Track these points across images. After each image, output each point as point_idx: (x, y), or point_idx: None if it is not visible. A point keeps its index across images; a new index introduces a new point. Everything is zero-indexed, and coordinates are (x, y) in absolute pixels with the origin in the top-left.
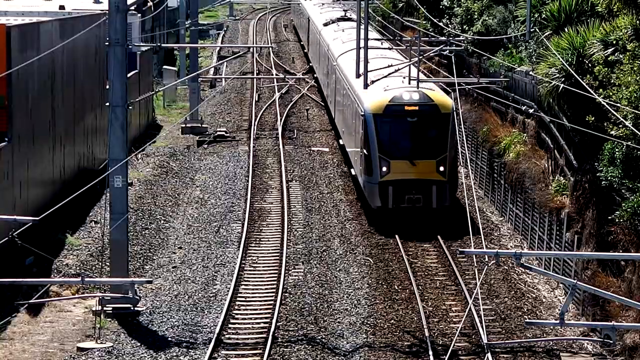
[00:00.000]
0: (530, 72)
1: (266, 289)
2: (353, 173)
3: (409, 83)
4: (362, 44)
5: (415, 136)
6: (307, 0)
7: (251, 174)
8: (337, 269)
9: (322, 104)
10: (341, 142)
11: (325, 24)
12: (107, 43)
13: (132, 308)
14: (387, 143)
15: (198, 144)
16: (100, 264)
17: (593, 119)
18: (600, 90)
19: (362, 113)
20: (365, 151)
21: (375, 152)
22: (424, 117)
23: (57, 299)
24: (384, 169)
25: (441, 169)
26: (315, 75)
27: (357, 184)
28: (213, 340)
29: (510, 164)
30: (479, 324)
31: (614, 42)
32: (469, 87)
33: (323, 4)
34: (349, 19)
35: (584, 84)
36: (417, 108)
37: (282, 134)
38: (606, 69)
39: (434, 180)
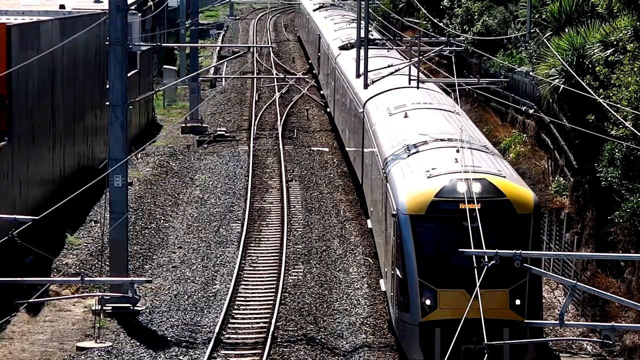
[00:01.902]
0: (531, 73)
1: (266, 288)
2: (383, 289)
3: (409, 83)
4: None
5: None
6: (317, 11)
7: (251, 173)
8: (337, 269)
9: (322, 104)
10: (369, 223)
11: (343, 47)
12: (107, 42)
13: (131, 307)
14: (432, 262)
15: (198, 144)
16: (99, 263)
17: (593, 119)
18: (600, 90)
19: (394, 212)
20: (398, 271)
21: (414, 276)
22: (490, 220)
23: (57, 298)
24: (428, 302)
25: (517, 302)
26: (327, 109)
27: (389, 313)
28: (212, 340)
29: (510, 164)
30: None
31: (614, 42)
32: (469, 87)
33: (334, 16)
34: (374, 43)
35: (584, 84)
36: (479, 206)
37: (282, 134)
38: (606, 69)
39: (506, 321)
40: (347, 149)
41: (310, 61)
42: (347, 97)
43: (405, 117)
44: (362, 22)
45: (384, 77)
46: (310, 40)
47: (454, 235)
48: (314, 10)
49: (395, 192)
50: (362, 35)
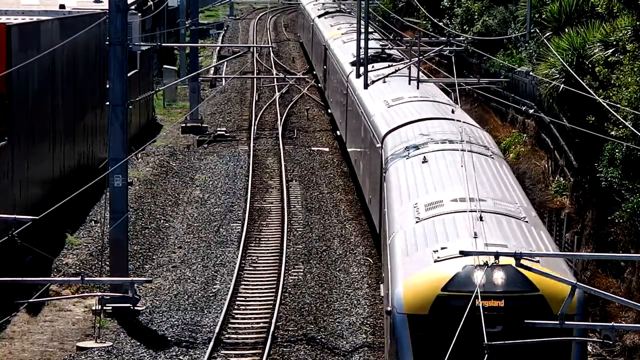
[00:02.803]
0: (531, 73)
1: (266, 288)
2: None
3: (409, 83)
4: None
5: None
6: (322, 18)
7: (251, 173)
8: (337, 269)
9: (322, 103)
10: (381, 290)
11: (354, 63)
12: (107, 42)
13: (131, 307)
14: None
15: (198, 144)
16: (100, 263)
17: (593, 119)
18: (600, 90)
19: (388, 307)
20: None
21: None
22: (519, 324)
23: (57, 298)
24: None
25: None
26: (337, 133)
27: None
28: (212, 340)
29: (510, 165)
30: None
31: (614, 42)
32: (469, 87)
33: (342, 25)
34: (388, 56)
35: (584, 84)
36: (502, 303)
37: (282, 134)
38: (606, 69)
39: None
40: (361, 186)
41: (315, 72)
42: (362, 126)
43: (423, 161)
44: (367, 28)
45: (405, 101)
46: (315, 50)
47: (468, 344)
48: (319, 17)
49: (393, 276)
50: (376, 49)
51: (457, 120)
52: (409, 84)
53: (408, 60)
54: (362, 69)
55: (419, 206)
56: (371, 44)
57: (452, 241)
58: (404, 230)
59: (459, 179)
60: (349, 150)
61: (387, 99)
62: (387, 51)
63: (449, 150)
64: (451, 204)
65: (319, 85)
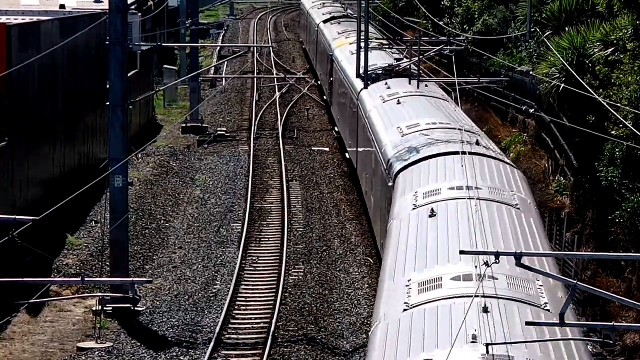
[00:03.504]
0: (531, 72)
1: (266, 288)
2: None
3: (409, 82)
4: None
5: None
6: (328, 23)
7: (251, 173)
8: (337, 269)
9: (323, 103)
10: None
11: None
12: (107, 42)
13: (132, 308)
14: None
15: (198, 144)
16: (100, 263)
17: (593, 118)
18: (601, 90)
19: None
20: None
21: None
22: None
23: (57, 298)
24: None
25: None
26: (347, 155)
27: None
28: (213, 340)
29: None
30: None
31: (614, 41)
32: (469, 86)
33: (350, 33)
34: (404, 70)
35: (584, 83)
36: None
37: (283, 134)
38: (606, 68)
39: None
40: (372, 225)
41: (319, 82)
42: (373, 155)
43: (431, 215)
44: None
45: (422, 129)
46: (320, 59)
47: None
48: (324, 22)
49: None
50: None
51: (482, 155)
52: (409, 83)
53: (408, 60)
54: (370, 84)
55: (412, 285)
56: (384, 55)
57: (441, 349)
58: (387, 322)
59: (468, 245)
60: (360, 178)
61: (401, 125)
62: (403, 65)
63: (464, 199)
64: (451, 284)
65: (324, 97)
